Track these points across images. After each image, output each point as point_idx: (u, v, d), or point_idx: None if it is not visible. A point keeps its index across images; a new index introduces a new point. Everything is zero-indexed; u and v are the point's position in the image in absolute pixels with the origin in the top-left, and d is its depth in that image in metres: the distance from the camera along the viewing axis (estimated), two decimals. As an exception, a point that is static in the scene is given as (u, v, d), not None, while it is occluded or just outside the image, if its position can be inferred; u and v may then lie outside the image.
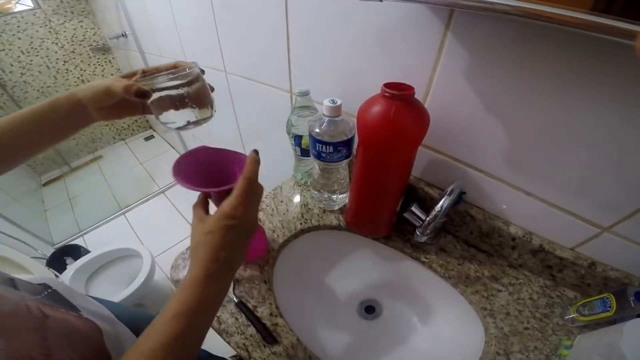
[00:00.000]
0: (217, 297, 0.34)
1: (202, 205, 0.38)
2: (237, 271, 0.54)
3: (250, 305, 0.50)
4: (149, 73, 0.42)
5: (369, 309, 0.61)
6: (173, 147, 2.66)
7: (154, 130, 2.96)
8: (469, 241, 0.56)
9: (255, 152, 0.37)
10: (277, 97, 0.81)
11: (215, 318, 0.48)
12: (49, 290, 0.42)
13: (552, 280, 0.49)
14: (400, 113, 0.39)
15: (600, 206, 0.40)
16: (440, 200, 0.44)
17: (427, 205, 0.57)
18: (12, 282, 0.37)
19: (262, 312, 0.49)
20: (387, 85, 0.39)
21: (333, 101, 0.47)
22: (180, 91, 0.39)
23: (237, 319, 0.48)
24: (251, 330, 0.47)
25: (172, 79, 0.38)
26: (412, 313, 0.58)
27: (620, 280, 0.42)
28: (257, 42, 0.76)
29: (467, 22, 0.38)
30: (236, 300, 0.50)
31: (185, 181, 0.36)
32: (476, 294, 0.49)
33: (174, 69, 0.41)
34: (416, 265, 0.56)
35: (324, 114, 0.49)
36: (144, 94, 0.39)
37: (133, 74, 0.43)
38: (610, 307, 0.38)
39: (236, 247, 0.35)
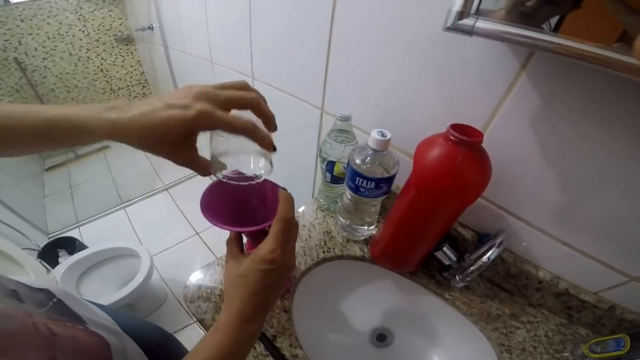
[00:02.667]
0: (250, 339, 0.33)
1: (236, 242, 0.36)
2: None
3: (269, 335, 0.47)
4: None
5: (381, 337, 0.60)
6: (181, 145, 2.64)
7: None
8: (493, 280, 0.56)
9: (284, 189, 0.35)
10: (305, 111, 0.79)
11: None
12: (54, 301, 0.40)
13: (569, 319, 0.50)
14: (467, 163, 0.36)
15: (634, 258, 0.40)
16: (487, 250, 0.42)
17: (457, 245, 0.56)
18: (16, 294, 0.35)
19: (282, 342, 0.47)
20: (454, 127, 0.36)
21: (382, 134, 0.45)
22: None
23: (255, 347, 0.46)
24: (270, 361, 0.45)
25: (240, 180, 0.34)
26: (425, 345, 0.57)
27: (635, 322, 0.43)
28: (292, 52, 0.74)
29: (548, 66, 0.36)
30: (256, 330, 0.47)
31: (214, 215, 0.34)
32: (495, 331, 0.49)
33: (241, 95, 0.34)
34: (438, 301, 0.55)
35: (369, 146, 0.47)
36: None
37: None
38: (623, 346, 0.39)
39: (272, 290, 0.33)
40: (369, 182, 0.48)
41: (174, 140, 0.29)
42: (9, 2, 1.85)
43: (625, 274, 0.42)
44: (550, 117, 0.39)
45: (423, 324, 0.58)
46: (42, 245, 1.47)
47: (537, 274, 0.49)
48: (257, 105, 0.34)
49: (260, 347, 0.46)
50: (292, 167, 1.03)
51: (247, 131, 0.32)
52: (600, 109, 0.35)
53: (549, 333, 0.49)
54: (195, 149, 0.33)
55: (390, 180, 0.49)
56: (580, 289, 0.47)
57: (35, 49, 2.04)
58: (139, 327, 0.57)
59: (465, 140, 0.35)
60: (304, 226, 0.65)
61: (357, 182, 0.49)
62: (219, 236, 1.68)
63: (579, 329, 0.49)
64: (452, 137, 0.36)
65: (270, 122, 0.36)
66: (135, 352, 0.46)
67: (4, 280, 0.36)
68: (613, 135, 0.35)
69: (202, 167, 0.34)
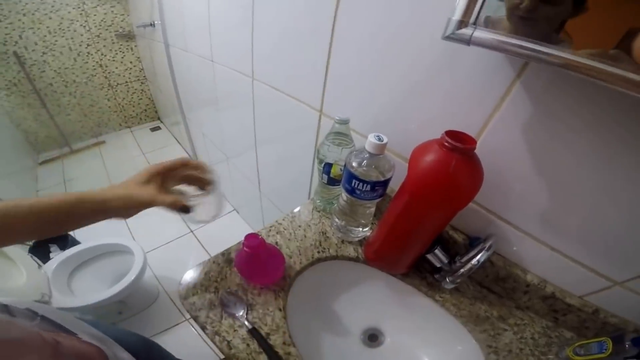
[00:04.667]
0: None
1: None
2: (252, 296, 0.53)
3: (263, 332, 0.48)
4: (167, 173, 0.48)
5: (372, 337, 0.61)
6: (179, 142, 2.64)
7: (162, 122, 2.95)
8: (482, 283, 0.57)
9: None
10: (303, 113, 0.80)
11: (226, 343, 0.47)
12: (40, 316, 0.40)
13: (554, 322, 0.52)
14: (460, 168, 0.37)
15: (619, 264, 0.42)
16: (477, 253, 0.44)
17: (449, 247, 0.57)
18: (8, 309, 0.36)
19: (275, 340, 0.47)
20: (448, 134, 0.37)
21: (379, 138, 0.46)
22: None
23: (248, 345, 0.47)
24: (263, 357, 0.45)
25: (203, 195, 0.50)
26: (415, 345, 0.59)
27: (618, 326, 0.45)
28: (293, 53, 0.75)
29: (542, 76, 0.37)
30: (249, 327, 0.48)
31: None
32: (484, 333, 0.51)
33: (184, 165, 0.49)
34: (429, 302, 0.56)
35: (366, 149, 0.48)
36: (187, 210, 0.46)
37: (154, 174, 0.46)
38: (606, 349, 0.41)
39: None
40: (365, 185, 0.49)
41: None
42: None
43: (609, 279, 0.43)
44: (541, 126, 0.40)
45: (414, 325, 0.59)
46: (32, 241, 1.46)
47: (525, 277, 0.50)
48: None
49: (253, 344, 0.47)
50: (289, 168, 1.04)
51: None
52: (591, 118, 0.36)
53: (535, 335, 0.50)
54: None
55: (385, 183, 0.50)
56: (566, 292, 0.48)
57: (36, 43, 2.03)
58: (122, 336, 0.56)
59: (459, 147, 0.36)
60: (299, 226, 0.66)
61: (353, 185, 0.50)
62: (213, 234, 1.68)
63: (564, 332, 0.50)
64: (446, 144, 0.37)
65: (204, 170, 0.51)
66: (127, 358, 0.47)
67: None
68: (601, 145, 0.36)
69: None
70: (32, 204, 0.38)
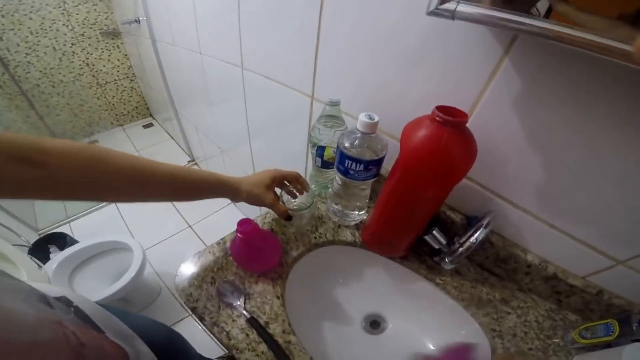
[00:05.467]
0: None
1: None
2: (250, 284, 0.52)
3: (262, 322, 0.47)
4: (282, 181, 0.57)
5: (374, 324, 0.60)
6: (172, 137, 2.61)
7: (154, 118, 2.92)
8: (483, 265, 0.56)
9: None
10: (295, 99, 0.79)
11: (225, 333, 0.46)
12: (74, 306, 0.40)
13: (558, 305, 0.51)
14: (452, 142, 0.36)
15: (620, 242, 0.41)
16: (475, 231, 0.42)
17: (447, 228, 0.56)
18: (46, 299, 0.35)
19: (275, 329, 0.47)
20: (439, 108, 0.36)
21: (370, 117, 0.45)
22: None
23: (247, 334, 0.46)
24: (263, 347, 0.45)
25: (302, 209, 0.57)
26: (418, 330, 0.58)
27: (623, 307, 0.43)
28: (282, 41, 0.73)
29: (530, 51, 0.36)
30: (248, 316, 0.47)
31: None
32: (487, 316, 0.50)
33: (296, 179, 0.58)
34: (429, 286, 0.56)
35: (357, 129, 0.47)
36: (290, 219, 0.54)
37: (275, 181, 0.55)
38: (612, 331, 0.40)
39: None
40: (358, 165, 0.48)
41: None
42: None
43: (611, 258, 0.42)
44: (533, 100, 0.39)
45: (416, 310, 0.59)
46: (32, 241, 1.45)
47: (526, 257, 0.49)
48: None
49: (253, 334, 0.46)
50: (283, 155, 1.03)
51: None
52: (583, 92, 0.35)
53: (539, 318, 0.49)
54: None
55: (379, 162, 0.49)
56: (568, 273, 0.47)
57: (18, 45, 1.98)
58: (146, 327, 0.57)
59: (450, 120, 0.35)
60: (295, 213, 0.65)
61: (346, 165, 0.49)
62: (212, 229, 1.67)
63: (569, 315, 0.49)
64: (437, 118, 0.36)
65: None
66: (149, 354, 0.47)
67: (35, 289, 0.36)
68: (595, 118, 0.35)
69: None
70: (174, 172, 0.45)
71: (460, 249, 0.43)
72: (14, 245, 1.22)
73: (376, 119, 0.45)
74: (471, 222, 0.53)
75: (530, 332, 0.48)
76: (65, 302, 0.40)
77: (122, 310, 0.53)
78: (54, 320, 0.31)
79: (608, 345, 0.41)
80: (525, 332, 0.48)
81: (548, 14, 0.28)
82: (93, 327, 0.40)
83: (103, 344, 0.37)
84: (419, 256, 0.57)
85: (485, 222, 0.43)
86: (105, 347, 0.37)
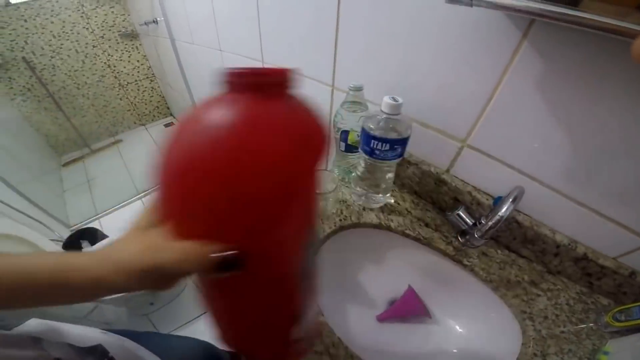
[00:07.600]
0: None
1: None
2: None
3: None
4: None
5: None
6: (191, 137, 2.67)
7: (174, 117, 2.99)
8: (510, 246, 0.56)
9: None
10: (316, 89, 0.80)
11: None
12: (109, 357, 0.37)
13: (589, 288, 0.50)
14: (252, 117, 0.20)
15: None
16: (502, 205, 0.43)
17: (473, 210, 0.56)
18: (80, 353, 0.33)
19: (305, 307, 0.49)
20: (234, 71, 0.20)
21: (394, 99, 0.46)
22: None
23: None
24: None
25: None
26: (445, 313, 0.58)
27: None
28: (301, 32, 0.74)
29: (548, 33, 0.37)
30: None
31: None
32: (516, 298, 0.49)
33: None
34: (457, 268, 0.56)
35: (382, 111, 0.48)
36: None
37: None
38: None
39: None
40: (384, 144, 0.49)
41: None
42: (10, 3, 1.87)
43: None
44: (553, 83, 0.39)
45: (443, 293, 0.59)
46: (65, 237, 1.53)
47: (554, 237, 0.48)
48: None
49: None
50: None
51: None
52: (601, 71, 0.35)
53: (570, 301, 0.48)
54: None
55: (404, 142, 0.50)
56: (599, 253, 0.46)
57: (42, 48, 2.07)
58: (183, 350, 0.56)
59: (246, 82, 0.20)
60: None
61: (372, 145, 0.50)
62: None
63: (600, 298, 0.48)
64: (228, 84, 0.21)
65: None
66: None
67: (50, 346, 0.32)
68: (615, 95, 0.35)
69: None
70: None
71: (490, 223, 0.44)
72: (50, 239, 1.29)
73: (400, 100, 0.47)
74: (497, 202, 0.53)
75: (562, 315, 0.47)
76: (101, 352, 0.37)
77: (160, 335, 0.51)
78: None
79: (642, 329, 0.40)
80: (556, 315, 0.47)
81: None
82: None
83: None
84: (446, 238, 0.58)
85: (512, 197, 0.43)
86: None
